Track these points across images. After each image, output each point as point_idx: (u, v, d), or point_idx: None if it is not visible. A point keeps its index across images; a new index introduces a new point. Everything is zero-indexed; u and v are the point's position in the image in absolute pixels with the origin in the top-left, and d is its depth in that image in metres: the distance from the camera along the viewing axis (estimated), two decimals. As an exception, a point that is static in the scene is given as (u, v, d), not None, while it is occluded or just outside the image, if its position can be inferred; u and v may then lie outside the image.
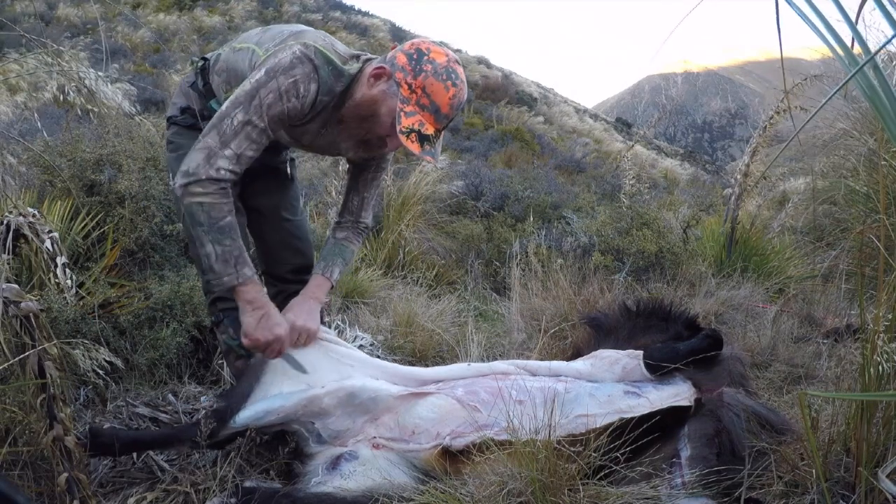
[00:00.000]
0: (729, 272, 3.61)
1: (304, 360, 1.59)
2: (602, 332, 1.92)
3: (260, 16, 18.80)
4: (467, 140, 11.54)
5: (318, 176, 5.98)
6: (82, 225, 2.28)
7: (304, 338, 1.59)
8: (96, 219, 2.34)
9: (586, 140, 16.90)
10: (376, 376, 1.64)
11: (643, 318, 1.86)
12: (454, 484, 1.40)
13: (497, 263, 3.95)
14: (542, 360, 2.06)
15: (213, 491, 1.46)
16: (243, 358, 1.67)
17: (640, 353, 1.66)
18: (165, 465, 1.60)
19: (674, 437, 1.51)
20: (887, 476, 1.19)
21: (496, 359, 2.32)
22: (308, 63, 1.44)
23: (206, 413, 1.58)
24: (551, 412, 1.39)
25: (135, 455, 1.63)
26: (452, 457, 1.46)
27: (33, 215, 1.84)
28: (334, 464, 1.50)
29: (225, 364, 2.10)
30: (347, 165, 1.85)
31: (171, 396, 1.98)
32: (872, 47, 1.04)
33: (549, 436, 1.34)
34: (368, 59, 1.55)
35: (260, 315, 1.47)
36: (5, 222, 1.76)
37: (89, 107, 2.49)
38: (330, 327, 2.21)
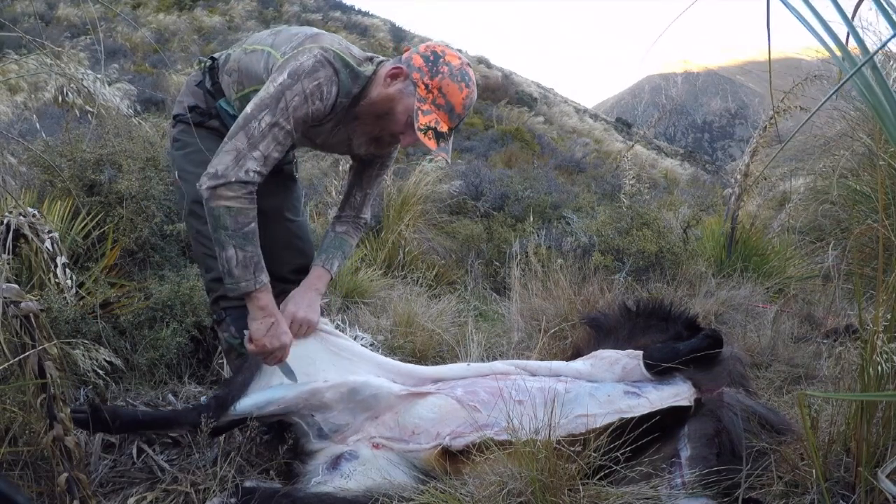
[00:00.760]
0: (729, 272, 3.61)
1: (303, 352, 1.61)
2: (602, 332, 1.92)
3: (260, 16, 18.80)
4: (467, 140, 11.54)
5: (318, 176, 5.97)
6: (82, 225, 2.28)
7: (304, 329, 1.63)
8: (96, 219, 2.34)
9: (586, 140, 16.89)
10: (375, 371, 1.66)
11: (643, 318, 1.86)
12: (454, 484, 1.40)
13: (497, 263, 3.95)
14: (542, 360, 2.07)
15: (213, 491, 1.46)
16: (244, 357, 1.68)
17: (640, 353, 1.66)
18: (165, 465, 1.60)
19: (674, 437, 1.51)
20: (887, 476, 1.19)
21: (496, 359, 2.32)
22: (329, 66, 1.48)
23: (208, 398, 1.60)
24: (551, 412, 1.39)
25: (135, 455, 1.63)
26: (452, 457, 1.46)
27: (33, 215, 1.84)
28: (334, 463, 1.50)
29: (225, 363, 2.10)
30: (349, 164, 1.88)
31: (171, 396, 1.98)
32: (868, 50, 1.04)
33: (549, 436, 1.34)
34: (382, 62, 1.60)
35: (270, 323, 1.51)
36: (5, 222, 1.76)
37: (88, 107, 2.49)
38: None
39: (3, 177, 2.10)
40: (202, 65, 1.73)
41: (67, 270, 1.92)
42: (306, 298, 1.65)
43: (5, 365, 1.22)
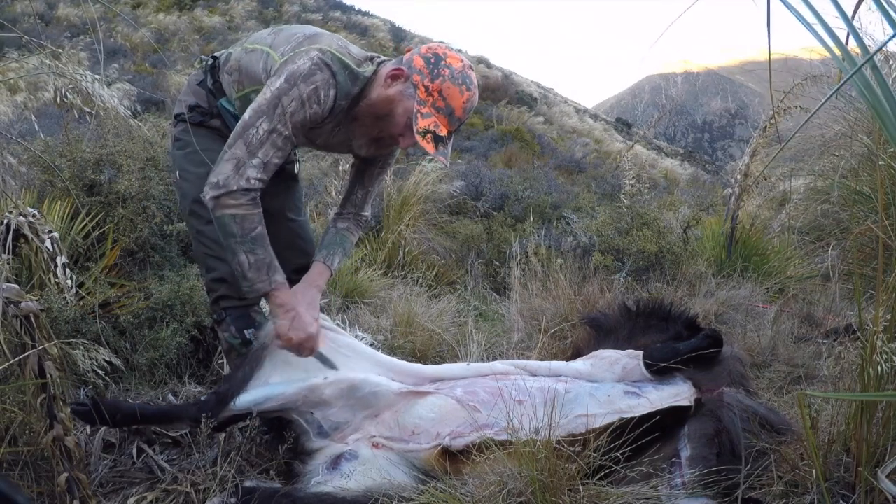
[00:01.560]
0: (729, 272, 3.61)
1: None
2: (602, 332, 1.92)
3: (260, 16, 18.79)
4: (467, 140, 11.53)
5: (318, 176, 5.97)
6: (82, 225, 2.28)
7: None
8: (96, 219, 2.34)
9: (586, 140, 16.88)
10: (374, 368, 1.66)
11: (643, 318, 1.86)
12: (454, 484, 1.40)
13: (497, 263, 3.95)
14: (542, 360, 2.07)
15: (213, 491, 1.46)
16: (244, 357, 1.68)
17: (640, 353, 1.66)
18: (165, 465, 1.60)
19: (674, 437, 1.51)
20: (887, 476, 1.19)
21: (496, 359, 2.32)
22: (326, 69, 1.47)
23: (208, 394, 1.60)
24: (551, 412, 1.39)
25: (135, 455, 1.64)
26: (452, 457, 1.46)
27: (33, 215, 1.84)
28: (334, 463, 1.50)
29: (225, 363, 2.10)
30: (350, 162, 1.88)
31: (171, 396, 1.98)
32: (868, 50, 1.04)
33: (549, 436, 1.34)
34: (382, 62, 1.59)
35: (292, 317, 1.52)
36: (5, 222, 1.76)
37: (86, 108, 2.49)
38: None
39: (3, 177, 2.10)
40: (203, 64, 1.73)
41: (67, 270, 1.92)
42: (308, 296, 1.64)
43: (5, 365, 1.22)
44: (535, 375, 1.70)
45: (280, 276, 1.52)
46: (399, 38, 20.77)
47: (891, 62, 2.76)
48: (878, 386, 1.27)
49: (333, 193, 4.24)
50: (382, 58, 1.62)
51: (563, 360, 1.85)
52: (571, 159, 11.41)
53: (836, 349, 2.37)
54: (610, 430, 1.41)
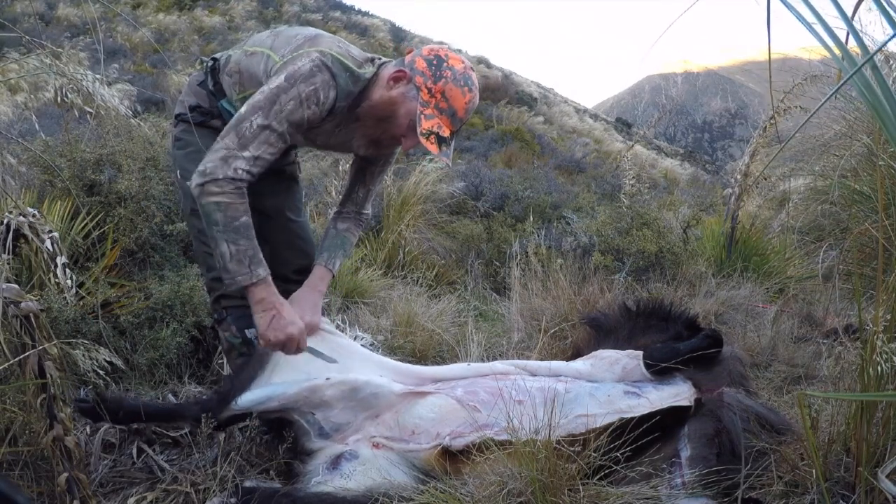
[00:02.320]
0: (729, 272, 3.61)
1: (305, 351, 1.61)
2: (602, 332, 1.92)
3: (260, 16, 18.79)
4: (467, 140, 11.53)
5: (318, 176, 5.97)
6: (82, 225, 2.28)
7: (307, 331, 1.61)
8: (96, 219, 2.34)
9: (586, 140, 16.88)
10: (375, 370, 1.66)
11: (643, 318, 1.86)
12: (454, 484, 1.40)
13: (497, 263, 3.95)
14: (542, 360, 2.07)
15: (213, 491, 1.46)
16: (245, 356, 1.68)
17: (640, 353, 1.66)
18: (165, 465, 1.60)
19: (674, 437, 1.51)
20: (887, 476, 1.19)
21: (496, 359, 2.32)
22: (326, 71, 1.48)
23: (210, 393, 1.60)
24: (551, 412, 1.39)
25: (135, 455, 1.63)
26: (452, 457, 1.46)
27: (33, 215, 1.84)
28: (334, 463, 1.50)
29: (226, 363, 2.10)
30: (351, 161, 1.88)
31: (171, 396, 1.98)
32: (868, 50, 1.04)
33: (549, 436, 1.34)
34: (383, 63, 1.59)
35: (270, 316, 1.50)
36: (5, 222, 1.76)
37: (87, 108, 2.49)
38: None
39: (3, 177, 2.10)
40: (204, 65, 1.73)
41: (67, 270, 1.92)
42: (310, 301, 1.65)
43: (5, 365, 1.22)
44: (535, 375, 1.70)
45: (263, 271, 1.48)
46: (399, 38, 20.77)
47: (891, 62, 2.76)
48: (878, 386, 1.27)
49: (333, 193, 4.23)
50: (383, 59, 1.62)
51: (563, 360, 1.85)
52: (571, 159, 11.42)
53: (836, 349, 2.37)
54: (610, 430, 1.41)
